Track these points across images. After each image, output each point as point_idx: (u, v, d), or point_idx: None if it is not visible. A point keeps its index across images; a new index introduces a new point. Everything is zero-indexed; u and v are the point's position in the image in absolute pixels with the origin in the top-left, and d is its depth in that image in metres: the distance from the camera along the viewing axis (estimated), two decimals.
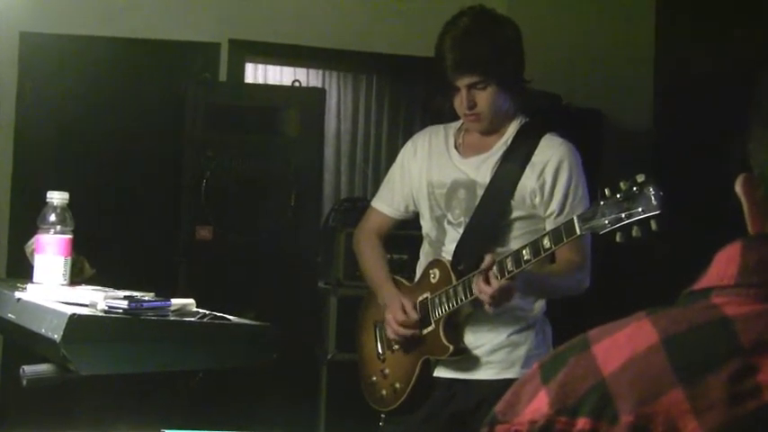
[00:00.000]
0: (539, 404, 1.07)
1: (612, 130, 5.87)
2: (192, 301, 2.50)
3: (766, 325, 0.97)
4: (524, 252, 3.09)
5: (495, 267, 3.14)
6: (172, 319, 2.37)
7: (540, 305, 3.47)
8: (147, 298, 2.40)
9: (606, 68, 6.36)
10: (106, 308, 2.32)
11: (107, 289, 2.71)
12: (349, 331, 4.01)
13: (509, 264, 3.11)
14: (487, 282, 3.14)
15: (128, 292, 2.51)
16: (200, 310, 2.48)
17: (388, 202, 3.73)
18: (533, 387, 1.09)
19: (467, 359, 3.39)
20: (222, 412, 5.08)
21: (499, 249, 3.28)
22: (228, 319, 2.43)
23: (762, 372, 0.94)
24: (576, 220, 2.98)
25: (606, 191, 2.87)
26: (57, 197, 2.95)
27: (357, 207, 5.87)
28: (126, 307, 2.30)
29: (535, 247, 3.08)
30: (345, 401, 4.64)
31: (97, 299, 2.39)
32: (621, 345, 1.05)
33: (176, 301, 2.45)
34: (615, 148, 5.43)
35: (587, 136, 4.87)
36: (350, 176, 8.08)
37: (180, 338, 2.35)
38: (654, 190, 2.76)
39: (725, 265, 1.05)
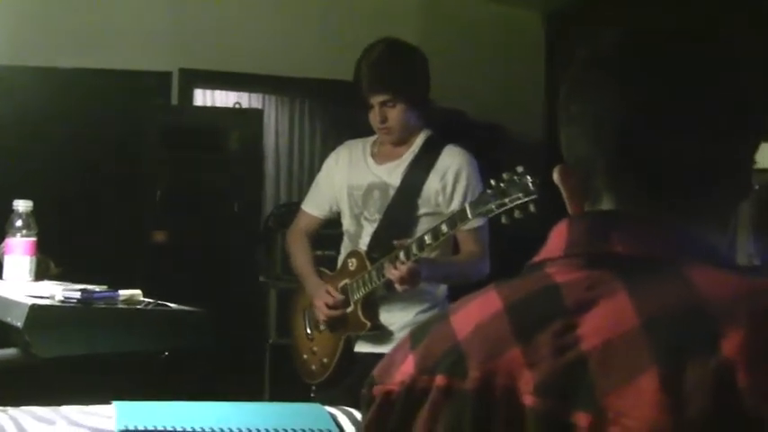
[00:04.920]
0: (407, 367, 1.08)
1: (510, 141, 5.97)
2: (138, 291, 2.51)
3: (585, 288, 0.99)
4: (426, 237, 3.19)
5: (401, 253, 3.23)
6: (120, 306, 2.38)
7: (442, 289, 3.53)
8: (98, 289, 2.41)
9: (504, 87, 6.44)
10: (63, 298, 2.33)
11: (67, 283, 2.72)
12: (287, 319, 4.05)
13: (414, 248, 3.20)
14: (396, 266, 3.22)
15: (83, 286, 2.52)
16: (146, 300, 2.49)
17: (314, 205, 3.78)
18: (404, 353, 1.11)
19: (382, 335, 3.45)
20: (179, 390, 5.07)
21: (409, 241, 3.33)
22: (169, 306, 2.45)
23: (580, 327, 0.96)
24: (467, 207, 3.09)
25: (492, 182, 2.99)
26: (22, 205, 2.95)
27: (292, 210, 5.86)
28: (79, 297, 2.31)
29: (435, 232, 3.17)
30: (285, 378, 4.66)
31: (55, 291, 2.40)
32: (473, 313, 1.07)
33: (124, 292, 2.46)
34: (512, 157, 5.49)
35: (488, 147, 4.93)
36: (288, 185, 8.10)
37: (127, 323, 2.37)
38: (531, 178, 2.88)
39: (556, 239, 1.07)
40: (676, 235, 1.03)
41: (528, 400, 0.96)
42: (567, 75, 1.12)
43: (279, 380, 5.51)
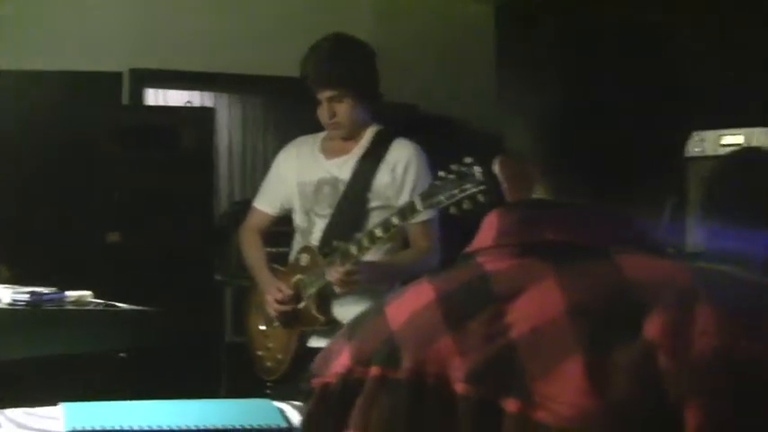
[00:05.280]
0: (343, 359, 1.09)
1: (462, 134, 5.99)
2: (88, 292, 2.51)
3: (514, 276, 1.00)
4: (377, 230, 3.20)
5: (338, 256, 3.25)
6: (68, 308, 2.38)
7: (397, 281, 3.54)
8: (46, 291, 2.41)
9: (457, 81, 6.46)
10: (11, 301, 2.33)
11: (17, 287, 2.70)
12: (242, 316, 4.05)
13: (352, 250, 3.22)
14: (336, 268, 3.25)
15: (32, 288, 2.50)
16: (96, 300, 2.49)
17: (266, 202, 3.79)
18: (341, 345, 1.11)
19: (336, 329, 3.44)
20: (136, 390, 5.05)
21: (358, 235, 3.35)
22: (119, 306, 2.45)
23: (509, 315, 0.97)
24: (416, 199, 3.10)
25: (441, 173, 3.00)
26: None
27: (247, 208, 5.84)
28: (28, 299, 2.31)
29: (385, 224, 3.19)
30: (242, 376, 4.66)
31: (4, 295, 2.39)
32: (406, 304, 1.08)
33: (73, 294, 2.46)
34: (465, 149, 5.51)
35: (440, 140, 4.95)
36: (242, 183, 8.08)
37: (76, 324, 2.37)
38: (479, 169, 2.88)
39: (487, 229, 1.07)
40: (606, 222, 1.04)
41: (459, 387, 0.97)
42: (506, 64, 1.13)
43: (236, 377, 5.50)
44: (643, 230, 1.05)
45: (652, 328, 0.88)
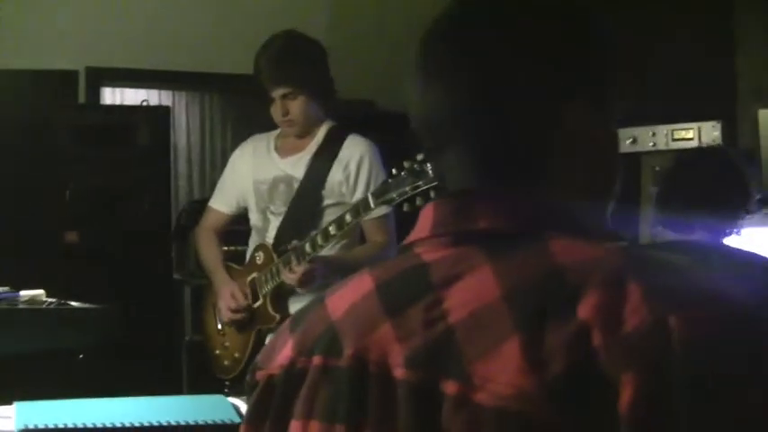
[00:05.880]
0: (287, 350, 1.10)
1: None
2: (41, 291, 2.51)
3: (451, 265, 1.02)
4: (331, 228, 3.21)
5: (293, 255, 3.25)
6: (21, 307, 2.37)
7: None
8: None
9: None
10: None
11: None
12: (199, 315, 4.05)
13: (307, 248, 3.22)
14: (291, 268, 3.26)
15: None
16: (49, 299, 2.48)
17: (222, 201, 3.79)
18: (284, 337, 1.13)
19: None
20: (96, 389, 5.03)
21: (314, 232, 3.35)
22: (71, 305, 2.45)
23: (447, 301, 0.99)
24: (369, 197, 3.11)
25: (393, 170, 3.02)
26: None
27: (205, 207, 5.87)
28: None
29: (339, 222, 3.20)
30: (201, 374, 4.66)
31: None
32: (347, 295, 1.10)
33: (26, 293, 2.45)
34: (422, 145, 5.51)
35: (398, 136, 4.97)
36: (200, 181, 8.06)
37: (29, 324, 2.36)
38: (431, 166, 2.89)
39: (423, 221, 1.09)
40: (535, 208, 1.06)
41: (399, 372, 0.99)
42: (412, 55, 1.15)
43: (196, 376, 5.50)
44: (570, 214, 1.07)
45: (585, 308, 0.90)
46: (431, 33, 1.13)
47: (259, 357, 1.17)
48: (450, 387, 0.94)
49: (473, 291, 0.98)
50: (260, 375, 1.14)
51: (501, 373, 0.91)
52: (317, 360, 1.06)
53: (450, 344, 0.96)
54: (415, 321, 1.00)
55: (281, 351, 1.12)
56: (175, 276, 5.82)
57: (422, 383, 0.97)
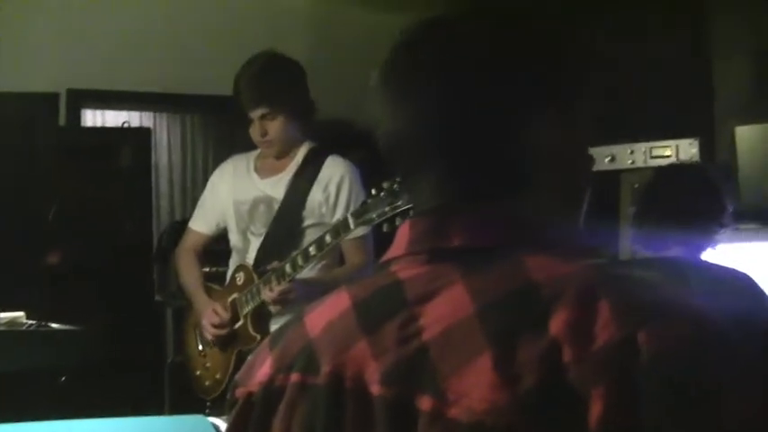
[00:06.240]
0: (266, 368, 1.12)
1: None
2: (21, 313, 2.51)
3: (426, 282, 1.03)
4: (311, 249, 3.21)
5: (273, 276, 3.26)
6: (1, 329, 2.37)
7: None
8: None
9: None
10: None
11: None
12: (180, 337, 4.04)
13: (287, 269, 3.23)
14: (271, 287, 3.26)
15: None
16: (29, 321, 2.48)
17: (202, 222, 3.79)
18: (263, 355, 1.14)
19: None
20: (80, 411, 5.01)
21: (294, 253, 3.35)
22: (51, 327, 2.45)
23: (422, 318, 1.00)
24: (349, 217, 3.12)
25: (373, 191, 3.02)
26: None
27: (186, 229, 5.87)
28: None
29: (319, 243, 3.20)
30: (184, 395, 4.65)
31: None
32: (324, 312, 1.11)
33: (6, 315, 2.45)
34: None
35: (377, 155, 4.98)
36: (182, 202, 8.04)
37: (8, 346, 2.36)
38: (402, 185, 2.90)
39: (400, 239, 1.11)
40: (508, 224, 1.07)
41: (375, 389, 1.00)
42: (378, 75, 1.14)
43: (179, 397, 5.48)
44: (542, 230, 1.08)
45: (556, 324, 0.92)
46: (397, 51, 1.14)
47: (239, 375, 1.18)
48: (424, 403, 0.95)
49: (447, 307, 1.00)
50: (239, 393, 1.15)
51: (474, 388, 0.93)
52: (294, 377, 1.08)
53: (425, 360, 0.97)
54: (390, 338, 1.01)
55: (260, 368, 1.13)
56: (157, 298, 5.80)
57: (397, 399, 0.98)
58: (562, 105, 1.10)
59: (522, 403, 0.90)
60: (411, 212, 2.95)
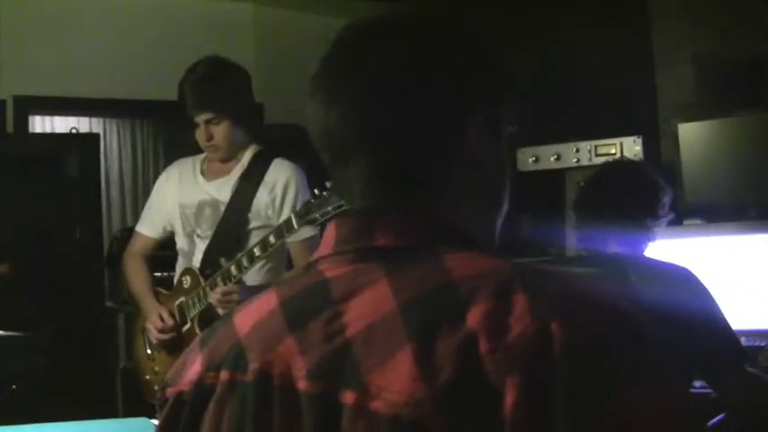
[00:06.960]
0: (196, 367, 1.13)
1: None
2: None
3: (351, 280, 1.05)
4: (255, 250, 3.22)
5: (219, 277, 3.26)
6: None
7: None
8: None
9: None
10: None
11: None
12: (129, 341, 4.03)
13: (233, 270, 3.24)
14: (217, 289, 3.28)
15: None
16: None
17: (148, 226, 3.78)
18: (194, 354, 1.16)
19: None
20: (31, 417, 4.97)
21: (238, 255, 3.36)
22: None
23: (346, 315, 1.02)
24: (292, 216, 3.13)
25: (316, 191, 3.03)
26: None
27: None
28: None
29: (264, 243, 3.21)
30: (135, 400, 4.64)
31: None
32: (253, 312, 1.13)
33: None
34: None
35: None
36: (133, 208, 8.00)
37: None
38: (332, 183, 2.91)
39: (327, 240, 1.13)
40: (432, 224, 1.09)
41: (301, 384, 1.02)
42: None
43: (131, 403, 5.46)
44: (467, 229, 1.11)
45: (473, 317, 0.94)
46: (331, 53, 1.16)
47: (169, 374, 1.19)
48: (348, 397, 0.98)
49: (370, 304, 1.02)
50: (170, 392, 1.16)
51: (395, 381, 0.95)
52: (224, 375, 1.09)
53: (349, 355, 0.99)
54: (316, 335, 1.03)
55: (190, 368, 1.14)
56: (108, 304, 5.78)
57: (323, 394, 1.00)
58: (486, 109, 1.13)
59: (440, 395, 0.92)
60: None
